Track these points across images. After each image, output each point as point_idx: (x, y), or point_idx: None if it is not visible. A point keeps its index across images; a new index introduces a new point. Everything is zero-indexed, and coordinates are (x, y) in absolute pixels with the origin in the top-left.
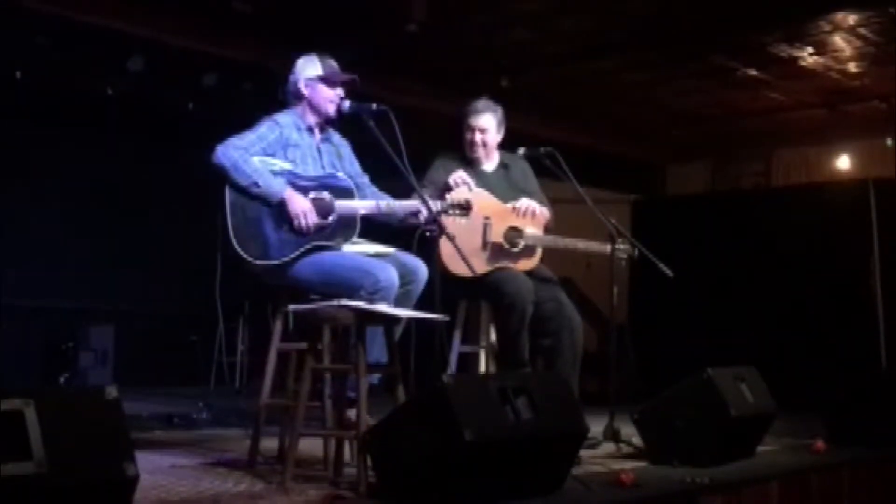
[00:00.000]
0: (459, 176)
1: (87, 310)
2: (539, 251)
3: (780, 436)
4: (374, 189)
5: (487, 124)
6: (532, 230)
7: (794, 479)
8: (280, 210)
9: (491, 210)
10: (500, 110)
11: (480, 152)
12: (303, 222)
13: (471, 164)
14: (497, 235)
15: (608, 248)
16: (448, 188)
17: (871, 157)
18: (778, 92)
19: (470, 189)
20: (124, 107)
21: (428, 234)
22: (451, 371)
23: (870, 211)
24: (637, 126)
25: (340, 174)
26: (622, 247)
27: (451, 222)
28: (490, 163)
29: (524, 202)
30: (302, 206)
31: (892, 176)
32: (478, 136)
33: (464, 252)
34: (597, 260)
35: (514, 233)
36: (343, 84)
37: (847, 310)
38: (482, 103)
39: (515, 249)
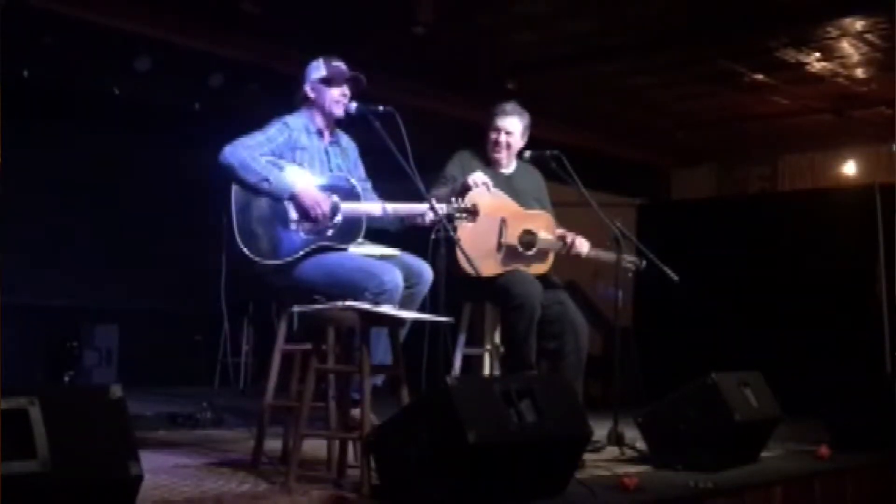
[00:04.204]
0: (479, 177)
1: (91, 309)
2: (551, 257)
3: (784, 441)
4: (374, 196)
5: (513, 127)
6: (545, 235)
7: (798, 484)
8: (291, 206)
9: (507, 212)
10: (527, 116)
11: (503, 153)
12: (318, 212)
13: (489, 164)
14: (512, 237)
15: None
16: (467, 188)
17: (877, 163)
18: (784, 97)
19: (488, 190)
20: (131, 106)
21: (434, 235)
22: (455, 373)
23: (876, 216)
24: (643, 130)
25: (349, 177)
26: (630, 258)
27: (466, 223)
28: (508, 166)
29: (580, 241)
30: (314, 197)
31: None
32: (502, 137)
33: (479, 252)
34: (603, 269)
35: (528, 236)
36: (347, 81)
37: (852, 314)
38: (510, 106)
39: (529, 253)
